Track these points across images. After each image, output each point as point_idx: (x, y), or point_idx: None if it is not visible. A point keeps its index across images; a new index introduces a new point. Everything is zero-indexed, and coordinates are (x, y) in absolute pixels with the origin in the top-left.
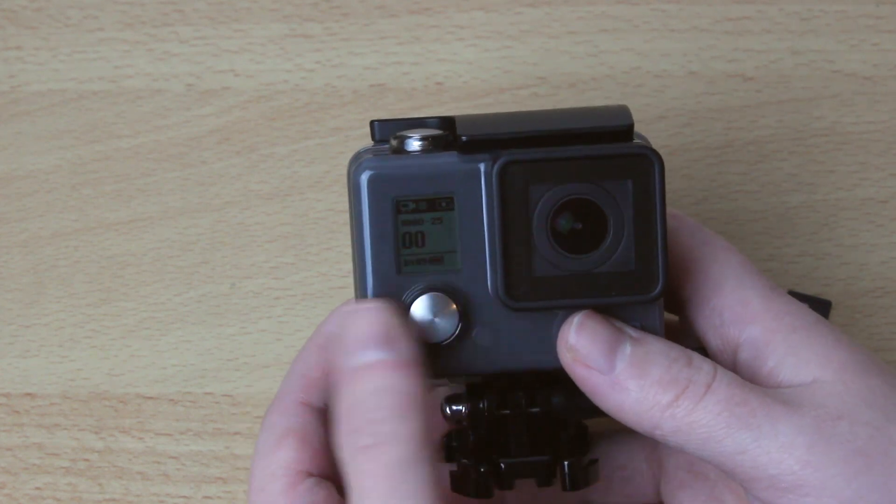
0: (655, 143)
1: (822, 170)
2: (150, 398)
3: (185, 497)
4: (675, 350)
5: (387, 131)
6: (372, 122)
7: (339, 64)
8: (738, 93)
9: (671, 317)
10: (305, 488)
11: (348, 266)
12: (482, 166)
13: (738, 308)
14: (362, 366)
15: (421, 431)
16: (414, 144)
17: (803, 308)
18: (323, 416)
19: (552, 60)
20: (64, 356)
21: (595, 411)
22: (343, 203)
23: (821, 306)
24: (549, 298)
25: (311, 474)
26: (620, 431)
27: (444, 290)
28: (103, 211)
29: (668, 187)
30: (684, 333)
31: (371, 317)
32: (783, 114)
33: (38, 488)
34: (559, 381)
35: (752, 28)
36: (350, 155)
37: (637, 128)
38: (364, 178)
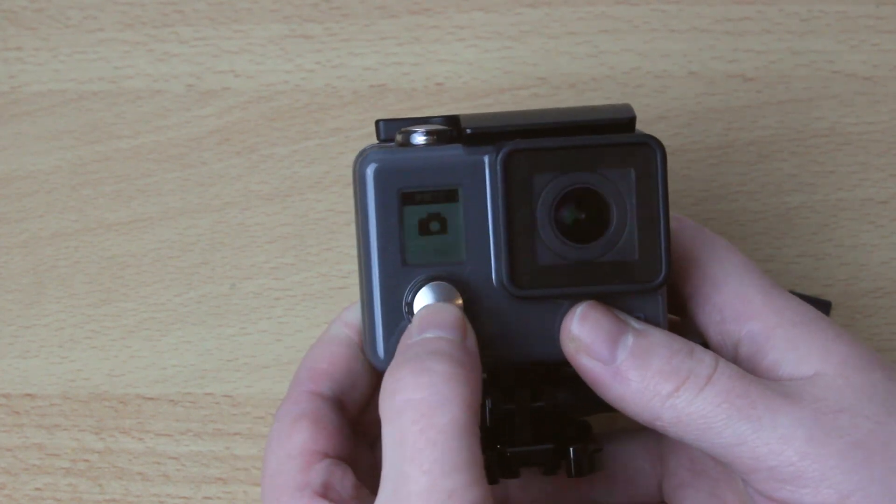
0: None
1: (822, 170)
2: (150, 399)
3: (185, 497)
4: (677, 341)
5: (392, 130)
6: (377, 122)
7: (339, 64)
8: (739, 93)
9: (672, 317)
10: (322, 467)
11: (348, 266)
12: (486, 158)
13: (739, 305)
14: (425, 338)
15: (475, 401)
16: (419, 138)
17: (804, 304)
18: (334, 405)
19: (552, 61)
20: (64, 357)
21: (599, 406)
22: (343, 204)
23: (821, 307)
24: (552, 287)
25: (327, 455)
26: (623, 431)
27: (449, 281)
28: (103, 211)
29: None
30: (686, 330)
31: (447, 309)
32: (783, 114)
33: (38, 489)
34: (563, 375)
35: (752, 28)
36: (351, 155)
37: (637, 128)
38: (370, 170)
